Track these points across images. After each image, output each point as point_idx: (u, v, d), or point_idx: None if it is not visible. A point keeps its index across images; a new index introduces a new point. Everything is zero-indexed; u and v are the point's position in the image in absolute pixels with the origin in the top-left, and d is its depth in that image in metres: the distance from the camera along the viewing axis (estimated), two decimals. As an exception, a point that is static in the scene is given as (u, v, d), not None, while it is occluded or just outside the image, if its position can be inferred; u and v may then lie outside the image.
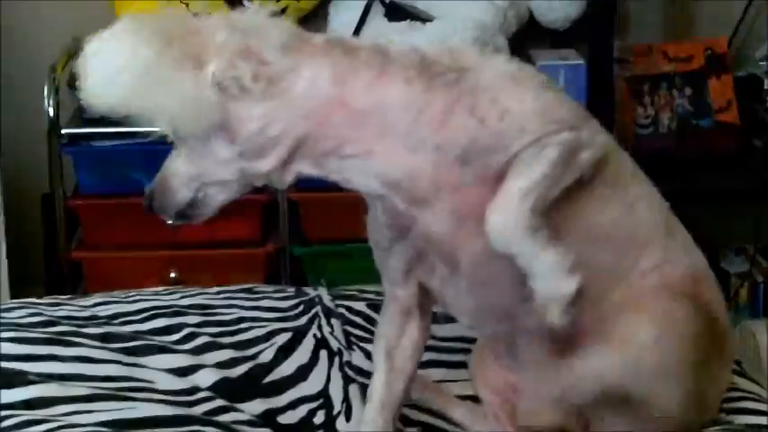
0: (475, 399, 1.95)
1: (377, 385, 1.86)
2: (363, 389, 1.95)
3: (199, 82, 1.58)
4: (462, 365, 2.00)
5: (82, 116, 2.99)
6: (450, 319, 1.93)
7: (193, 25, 1.63)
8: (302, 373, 2.02)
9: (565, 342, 1.78)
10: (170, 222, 1.74)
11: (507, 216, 1.62)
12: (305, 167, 1.67)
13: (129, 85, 1.57)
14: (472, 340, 1.97)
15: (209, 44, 1.60)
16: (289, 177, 1.68)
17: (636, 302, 1.71)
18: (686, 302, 1.71)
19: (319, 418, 1.95)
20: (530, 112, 1.64)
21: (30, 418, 1.82)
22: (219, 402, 1.93)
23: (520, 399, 1.89)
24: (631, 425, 1.75)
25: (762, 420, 1.88)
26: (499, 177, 1.65)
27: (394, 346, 1.85)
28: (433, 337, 2.01)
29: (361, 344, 2.11)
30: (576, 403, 1.78)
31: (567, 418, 1.81)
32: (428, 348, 1.91)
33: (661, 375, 1.70)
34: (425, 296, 1.84)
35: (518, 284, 1.71)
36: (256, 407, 1.94)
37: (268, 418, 1.93)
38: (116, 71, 1.58)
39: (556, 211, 1.66)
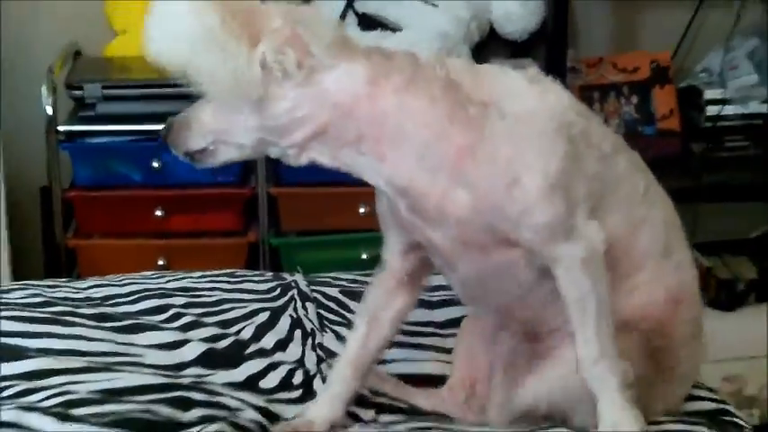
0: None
1: (351, 342, 1.85)
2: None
3: (249, 58, 1.58)
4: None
5: (77, 115, 2.99)
6: None
7: (257, 6, 1.64)
8: (281, 345, 2.03)
9: (535, 344, 1.80)
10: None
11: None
12: (320, 154, 1.67)
13: (189, 44, 1.58)
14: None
15: (266, 26, 1.60)
16: (303, 159, 1.68)
17: None
18: (631, 336, 1.73)
19: (298, 378, 1.96)
20: (534, 195, 1.61)
21: (28, 387, 1.84)
22: (203, 371, 1.94)
23: (490, 384, 1.89)
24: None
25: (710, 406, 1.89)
26: (504, 238, 1.65)
27: (378, 308, 1.84)
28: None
29: (333, 327, 2.11)
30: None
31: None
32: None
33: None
34: (421, 271, 1.83)
35: (515, 288, 1.73)
36: (239, 374, 1.94)
37: (250, 382, 1.93)
38: (180, 30, 1.59)
39: None
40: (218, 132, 1.67)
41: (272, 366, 1.98)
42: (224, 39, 1.57)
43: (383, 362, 1.99)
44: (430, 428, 1.82)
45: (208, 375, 1.93)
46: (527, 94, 1.67)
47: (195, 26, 1.57)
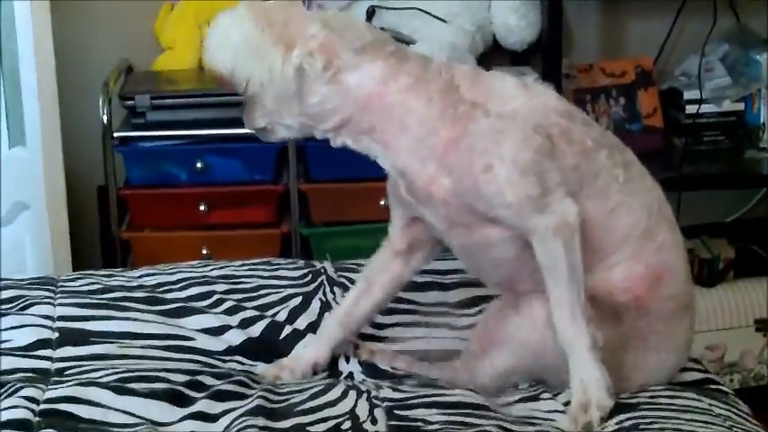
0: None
1: (346, 299, 1.92)
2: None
3: (284, 61, 1.68)
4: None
5: (130, 122, 2.98)
6: None
7: (295, 15, 1.73)
8: (312, 327, 2.00)
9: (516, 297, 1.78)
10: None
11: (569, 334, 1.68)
12: (348, 140, 1.75)
13: (234, 52, 1.69)
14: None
15: (300, 33, 1.69)
16: (338, 142, 1.77)
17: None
18: (609, 308, 1.72)
19: None
20: (504, 179, 1.66)
21: (91, 367, 1.82)
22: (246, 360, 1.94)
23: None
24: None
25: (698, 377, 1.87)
26: (484, 216, 1.69)
27: (375, 273, 1.89)
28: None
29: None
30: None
31: None
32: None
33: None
34: (417, 248, 1.86)
35: (499, 262, 1.76)
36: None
37: None
38: (226, 41, 1.70)
39: None
40: (272, 114, 1.75)
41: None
42: (261, 46, 1.67)
43: (404, 340, 1.97)
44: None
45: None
46: (514, 97, 1.72)
47: (237, 36, 1.69)
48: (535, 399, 1.77)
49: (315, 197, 2.97)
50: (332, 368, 1.91)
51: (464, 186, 1.68)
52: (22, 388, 1.70)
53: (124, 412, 1.67)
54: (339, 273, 2.20)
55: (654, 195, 1.79)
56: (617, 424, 1.67)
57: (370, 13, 3.07)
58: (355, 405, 1.72)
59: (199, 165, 2.92)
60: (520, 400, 1.77)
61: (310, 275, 2.19)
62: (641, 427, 1.65)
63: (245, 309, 2.04)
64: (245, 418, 1.65)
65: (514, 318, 1.80)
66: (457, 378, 1.87)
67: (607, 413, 1.67)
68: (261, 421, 1.64)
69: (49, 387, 1.72)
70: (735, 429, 1.66)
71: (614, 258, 1.74)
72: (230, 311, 2.03)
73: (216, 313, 2.02)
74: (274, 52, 1.67)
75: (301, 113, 1.73)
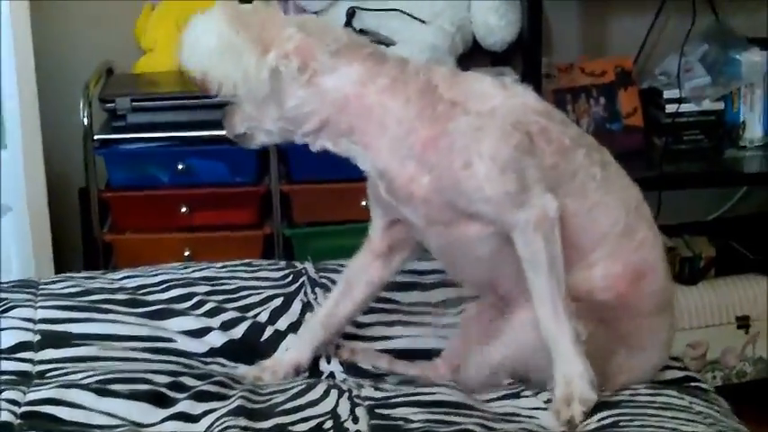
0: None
1: (327, 300, 1.92)
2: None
3: (260, 63, 1.67)
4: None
5: (110, 124, 2.97)
6: None
7: (272, 18, 1.72)
8: (293, 327, 2.00)
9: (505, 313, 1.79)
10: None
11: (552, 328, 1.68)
12: (327, 142, 1.75)
13: (208, 53, 1.67)
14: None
15: (277, 36, 1.68)
16: (318, 145, 1.76)
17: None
18: (589, 306, 1.73)
19: None
20: (484, 175, 1.66)
21: (72, 369, 1.82)
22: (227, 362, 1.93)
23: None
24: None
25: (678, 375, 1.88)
26: (464, 212, 1.70)
27: (354, 275, 1.89)
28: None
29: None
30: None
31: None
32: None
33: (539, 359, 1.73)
34: (396, 250, 1.87)
35: (476, 260, 1.76)
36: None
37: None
38: (201, 42, 1.68)
39: None
40: (252, 119, 1.76)
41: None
42: (237, 47, 1.66)
43: (385, 339, 1.98)
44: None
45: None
46: (493, 96, 1.72)
47: (212, 38, 1.67)
48: (516, 396, 1.78)
49: (297, 198, 2.97)
50: (313, 369, 1.91)
51: (444, 183, 1.69)
52: (3, 390, 1.70)
53: (106, 414, 1.67)
54: (320, 273, 2.20)
55: (631, 194, 1.80)
56: (598, 422, 1.67)
57: (351, 15, 3.07)
58: (337, 404, 1.73)
59: (180, 166, 2.92)
60: (501, 398, 1.78)
61: (291, 276, 2.19)
62: (621, 424, 1.66)
63: (227, 310, 2.04)
64: (226, 419, 1.65)
65: (498, 318, 1.80)
66: (438, 376, 1.87)
67: (590, 407, 1.67)
68: (242, 421, 1.64)
69: (31, 389, 1.72)
70: (715, 427, 1.67)
71: (594, 256, 1.74)
72: (211, 313, 2.03)
73: (197, 315, 2.02)
74: (249, 54, 1.66)
75: (280, 117, 1.73)
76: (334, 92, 1.70)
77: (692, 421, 1.67)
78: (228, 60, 1.66)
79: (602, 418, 1.68)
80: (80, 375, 1.78)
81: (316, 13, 3.03)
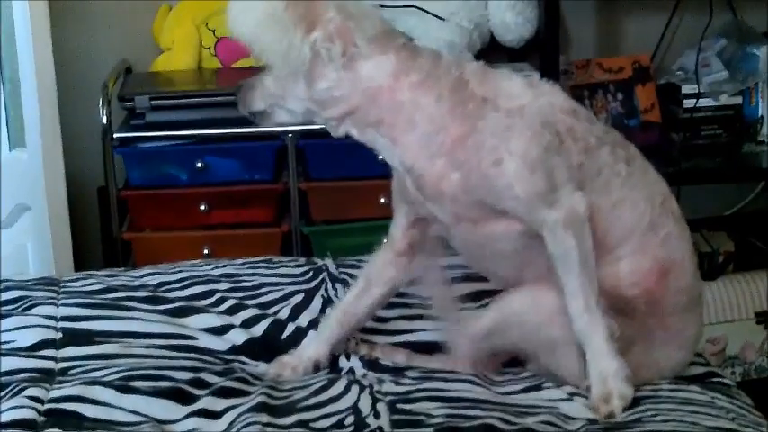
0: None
1: (346, 297, 1.91)
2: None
3: (303, 40, 1.66)
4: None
5: (129, 123, 2.98)
6: None
7: None
8: (314, 324, 2.00)
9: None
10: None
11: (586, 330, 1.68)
12: (352, 130, 1.74)
13: (256, 22, 1.67)
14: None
15: (321, 16, 1.67)
16: (340, 131, 1.75)
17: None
18: (617, 301, 1.72)
19: None
20: (513, 173, 1.66)
21: (94, 366, 1.82)
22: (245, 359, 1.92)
23: None
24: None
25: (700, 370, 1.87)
26: (493, 209, 1.69)
27: (374, 272, 1.88)
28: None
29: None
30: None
31: None
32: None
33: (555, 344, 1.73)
34: (417, 249, 1.86)
35: (501, 256, 1.76)
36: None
37: None
38: (251, 10, 1.68)
39: None
40: (275, 97, 1.75)
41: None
42: (284, 21, 1.66)
43: (407, 332, 1.97)
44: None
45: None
46: (522, 94, 1.71)
47: (262, 9, 1.66)
48: (538, 388, 1.77)
49: (314, 196, 2.97)
50: (332, 365, 1.91)
51: (473, 181, 1.68)
52: (26, 388, 1.71)
53: (128, 411, 1.68)
54: (340, 269, 2.19)
55: (657, 189, 1.79)
56: (621, 417, 1.67)
57: (368, 12, 3.07)
58: (358, 400, 1.73)
59: (198, 165, 2.92)
60: (523, 390, 1.78)
61: (312, 272, 2.19)
62: (644, 420, 1.65)
63: (247, 307, 2.04)
64: (248, 415, 1.65)
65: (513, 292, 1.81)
66: (458, 369, 1.87)
67: (629, 402, 1.67)
68: (264, 417, 1.64)
69: (54, 387, 1.72)
70: (737, 421, 1.66)
71: (619, 252, 1.74)
72: (232, 310, 2.03)
73: (218, 312, 2.02)
74: (295, 30, 1.65)
75: (308, 98, 1.72)
76: (367, 81, 1.69)
77: (715, 416, 1.67)
78: (275, 33, 1.66)
79: (626, 414, 1.67)
80: (102, 372, 1.79)
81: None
